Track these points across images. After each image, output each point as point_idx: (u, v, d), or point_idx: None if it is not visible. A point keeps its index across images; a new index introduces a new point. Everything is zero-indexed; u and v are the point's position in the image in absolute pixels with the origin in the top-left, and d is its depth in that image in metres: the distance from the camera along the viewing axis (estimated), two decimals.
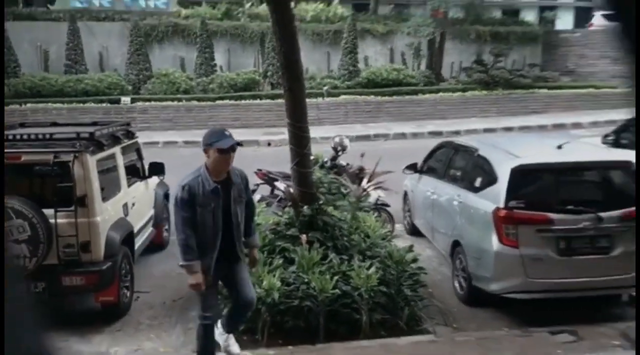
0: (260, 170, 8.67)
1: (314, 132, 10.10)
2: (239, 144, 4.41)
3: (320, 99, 20.39)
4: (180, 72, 21.61)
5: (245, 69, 22.06)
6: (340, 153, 8.79)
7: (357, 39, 22.81)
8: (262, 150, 15.69)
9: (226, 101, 20.28)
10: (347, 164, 8.76)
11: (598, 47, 26.22)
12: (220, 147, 4.29)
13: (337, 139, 9.01)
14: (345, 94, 21.32)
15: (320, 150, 8.70)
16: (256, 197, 7.65)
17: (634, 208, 5.62)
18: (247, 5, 24.25)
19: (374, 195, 8.14)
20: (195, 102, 20.31)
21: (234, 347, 4.75)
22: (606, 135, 8.81)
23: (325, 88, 21.05)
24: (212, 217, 4.35)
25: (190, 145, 17.11)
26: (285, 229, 5.85)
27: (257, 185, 8.39)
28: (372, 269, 5.28)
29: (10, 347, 0.71)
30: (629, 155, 6.65)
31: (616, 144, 8.35)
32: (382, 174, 7.40)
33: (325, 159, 8.53)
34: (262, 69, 21.93)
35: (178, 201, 4.33)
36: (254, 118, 19.57)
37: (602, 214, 5.50)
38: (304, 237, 5.59)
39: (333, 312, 5.14)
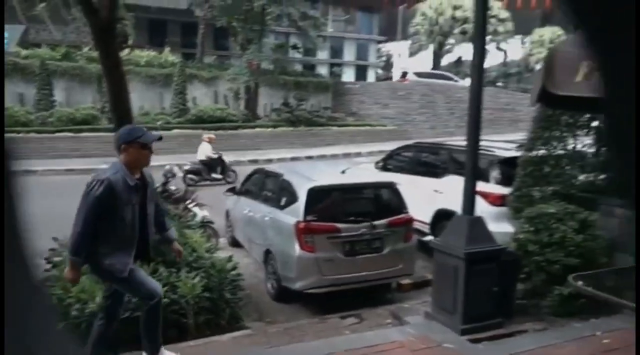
0: None
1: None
2: (161, 138, 3.85)
3: (154, 132, 19.50)
4: (19, 106, 19.23)
5: (84, 105, 20.34)
6: (170, 179, 8.47)
7: (186, 82, 22.32)
8: None
9: (65, 134, 18.43)
10: (176, 189, 8.45)
11: (372, 95, 28.60)
12: (145, 142, 3.65)
13: (167, 167, 8.70)
14: (176, 128, 20.61)
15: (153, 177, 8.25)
16: None
17: (397, 216, 6.11)
18: (85, 49, 22.46)
19: (200, 214, 7.93)
20: (34, 134, 18.14)
21: None
22: (377, 162, 9.45)
23: (159, 123, 20.21)
24: (132, 213, 3.64)
25: (25, 174, 15.24)
26: None
27: None
28: (197, 279, 5.05)
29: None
30: (393, 177, 7.26)
31: (384, 168, 8.98)
32: (193, 194, 7.27)
33: (157, 185, 8.11)
34: (100, 106, 20.40)
35: (92, 195, 3.48)
36: (93, 149, 17.96)
37: (375, 222, 5.87)
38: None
39: (163, 319, 4.83)
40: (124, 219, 3.61)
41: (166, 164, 9.58)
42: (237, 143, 21.03)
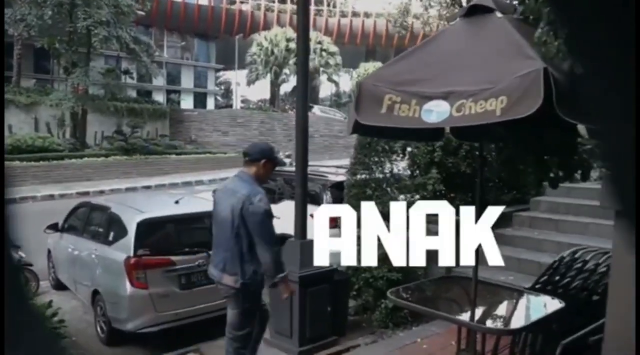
0: None
1: None
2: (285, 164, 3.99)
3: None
4: None
5: None
6: None
7: None
8: None
9: None
10: None
11: (212, 123, 28.38)
12: (278, 163, 4.01)
13: None
14: None
15: None
16: None
17: None
18: None
19: (15, 256, 6.98)
20: None
21: None
22: (214, 190, 9.29)
23: None
24: None
25: None
26: None
27: None
28: None
29: None
30: None
31: None
32: None
33: None
34: None
35: (269, 209, 3.59)
36: None
37: (211, 252, 5.73)
38: None
39: None
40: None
41: None
42: (64, 174, 19.12)
